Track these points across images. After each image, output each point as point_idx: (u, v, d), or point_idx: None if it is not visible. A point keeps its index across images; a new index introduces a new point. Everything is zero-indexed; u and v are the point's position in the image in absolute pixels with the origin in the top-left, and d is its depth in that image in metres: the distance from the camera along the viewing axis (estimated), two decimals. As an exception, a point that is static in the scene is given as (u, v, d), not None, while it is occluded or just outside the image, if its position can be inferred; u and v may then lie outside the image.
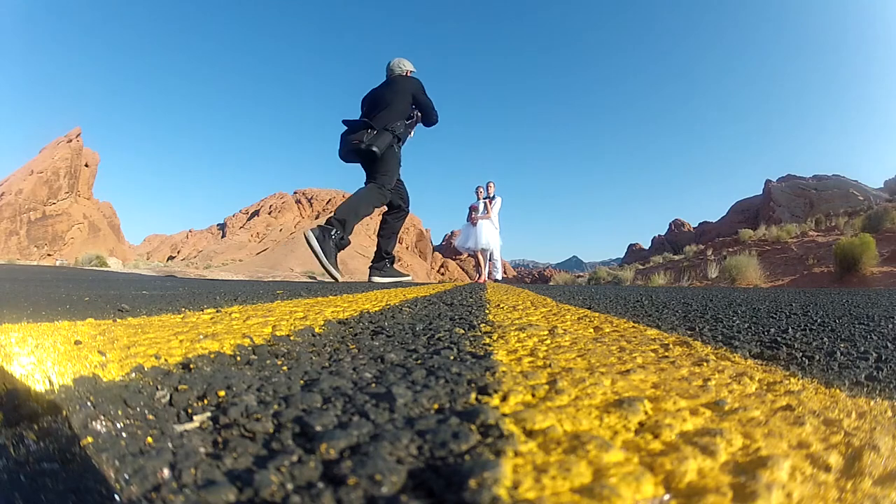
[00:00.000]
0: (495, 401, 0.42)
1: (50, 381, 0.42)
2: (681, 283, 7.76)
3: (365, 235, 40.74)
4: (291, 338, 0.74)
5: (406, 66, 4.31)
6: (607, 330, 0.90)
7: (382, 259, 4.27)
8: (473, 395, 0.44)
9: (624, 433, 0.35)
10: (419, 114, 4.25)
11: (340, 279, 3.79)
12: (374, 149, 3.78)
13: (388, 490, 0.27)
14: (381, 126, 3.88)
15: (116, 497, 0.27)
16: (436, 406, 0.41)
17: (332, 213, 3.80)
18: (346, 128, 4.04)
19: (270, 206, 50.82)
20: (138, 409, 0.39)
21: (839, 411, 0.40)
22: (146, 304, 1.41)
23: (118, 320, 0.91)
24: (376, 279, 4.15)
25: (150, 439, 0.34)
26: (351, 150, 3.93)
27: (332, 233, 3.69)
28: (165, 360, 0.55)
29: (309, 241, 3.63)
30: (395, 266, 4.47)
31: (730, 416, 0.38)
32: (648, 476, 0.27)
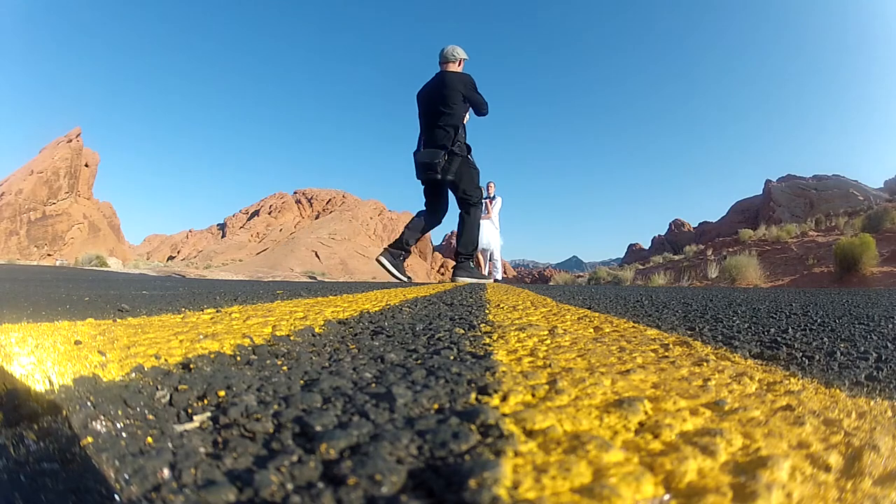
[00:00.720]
0: (495, 401, 0.42)
1: (50, 381, 0.42)
2: (681, 283, 7.75)
3: (364, 235, 40.73)
4: (291, 338, 0.74)
5: (459, 54, 4.46)
6: (607, 330, 0.90)
7: (462, 260, 4.72)
8: (473, 395, 0.44)
9: (624, 433, 0.35)
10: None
11: (491, 281, 5.02)
12: (450, 177, 4.36)
13: (388, 490, 0.27)
14: (446, 142, 4.31)
15: (116, 497, 0.27)
16: (436, 406, 0.41)
17: (461, 251, 4.63)
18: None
19: (270, 206, 50.81)
20: (138, 409, 0.39)
21: (839, 411, 0.40)
22: (146, 304, 1.41)
23: (118, 320, 0.91)
24: (461, 279, 4.61)
25: (150, 439, 0.34)
26: (430, 179, 4.47)
27: (470, 262, 4.71)
28: (165, 360, 0.55)
29: (464, 278, 4.55)
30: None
31: (730, 416, 0.38)
32: (648, 476, 0.27)
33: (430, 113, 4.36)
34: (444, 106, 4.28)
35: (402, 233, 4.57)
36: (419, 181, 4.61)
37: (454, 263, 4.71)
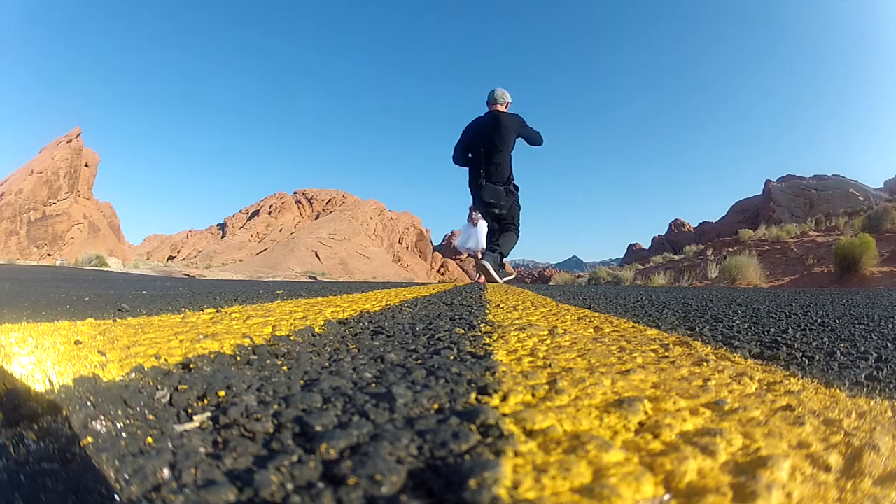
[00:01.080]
0: (495, 401, 0.42)
1: (50, 381, 0.42)
2: (681, 283, 7.75)
3: (364, 235, 40.72)
4: (291, 338, 0.74)
5: (507, 97, 4.98)
6: (607, 330, 0.90)
7: (496, 252, 5.29)
8: (473, 395, 0.44)
9: (624, 433, 0.35)
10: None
11: (501, 281, 5.22)
12: (505, 212, 5.13)
13: (388, 490, 0.27)
14: (505, 179, 4.93)
15: (116, 497, 0.27)
16: (436, 406, 0.41)
17: (499, 245, 5.15)
18: (463, 165, 5.23)
19: (270, 206, 50.81)
20: (138, 409, 0.39)
21: (839, 411, 0.40)
22: (146, 304, 1.41)
23: (118, 320, 0.91)
24: (487, 263, 4.99)
25: (150, 439, 0.34)
26: (491, 212, 5.13)
27: (501, 255, 5.15)
28: (165, 360, 0.55)
29: (490, 264, 4.96)
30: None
31: (730, 416, 0.38)
32: (648, 476, 0.27)
33: (488, 150, 4.87)
34: (500, 144, 4.80)
35: (501, 249, 5.19)
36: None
37: (485, 255, 5.17)
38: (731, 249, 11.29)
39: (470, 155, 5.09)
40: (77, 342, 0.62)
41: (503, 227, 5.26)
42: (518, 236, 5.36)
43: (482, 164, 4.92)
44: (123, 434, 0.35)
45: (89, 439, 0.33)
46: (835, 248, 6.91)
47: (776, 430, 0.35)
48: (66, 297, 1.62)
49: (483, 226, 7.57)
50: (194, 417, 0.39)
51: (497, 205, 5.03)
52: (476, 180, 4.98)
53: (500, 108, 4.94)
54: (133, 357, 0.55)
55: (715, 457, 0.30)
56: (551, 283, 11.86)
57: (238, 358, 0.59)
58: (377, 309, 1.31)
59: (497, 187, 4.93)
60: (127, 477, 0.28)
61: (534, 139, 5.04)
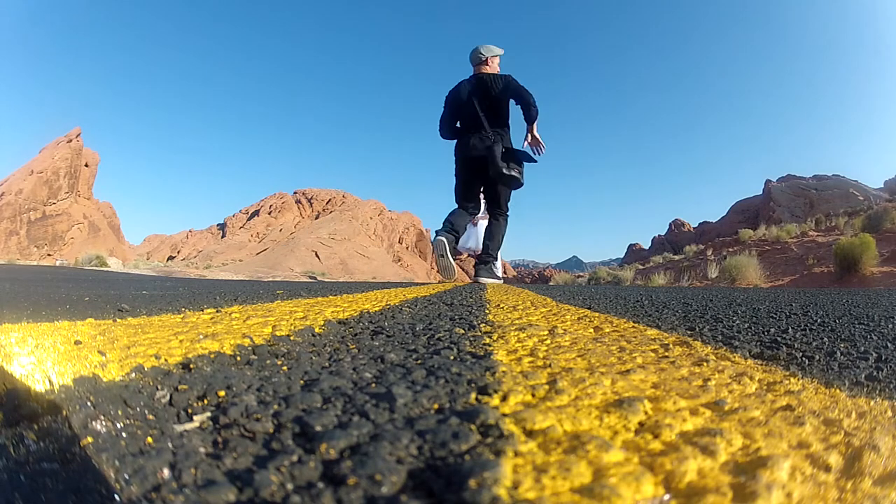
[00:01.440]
0: (495, 401, 0.42)
1: (50, 381, 0.42)
2: (681, 283, 7.75)
3: (364, 235, 40.72)
4: (291, 338, 0.74)
5: (486, 53, 4.17)
6: (607, 330, 0.90)
7: (489, 260, 4.61)
8: (473, 395, 0.44)
9: (624, 433, 0.35)
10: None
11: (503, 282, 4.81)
12: (523, 181, 4.19)
13: (388, 490, 0.27)
14: (513, 154, 4.11)
15: (116, 497, 0.27)
16: (436, 406, 0.41)
17: (488, 251, 4.51)
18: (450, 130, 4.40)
19: (270, 206, 50.86)
20: (138, 409, 0.39)
21: (839, 411, 0.40)
22: (146, 304, 1.41)
23: (118, 320, 0.91)
24: (483, 279, 4.39)
25: (150, 439, 0.34)
26: (500, 174, 4.08)
27: (494, 264, 4.53)
28: (165, 360, 0.55)
29: (488, 278, 4.40)
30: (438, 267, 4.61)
31: (730, 416, 0.38)
32: (648, 476, 0.27)
33: (488, 117, 4.08)
34: (499, 110, 4.08)
35: (487, 246, 4.53)
36: (471, 169, 4.27)
37: (477, 261, 4.60)
38: (731, 249, 11.29)
39: (459, 125, 4.26)
40: (77, 342, 0.62)
41: (493, 212, 4.49)
42: (507, 222, 4.56)
43: (482, 132, 4.07)
44: (123, 434, 0.35)
45: (89, 439, 0.33)
46: (835, 248, 6.91)
47: (776, 430, 0.35)
48: (66, 297, 1.62)
49: (483, 225, 7.53)
50: (194, 417, 0.39)
51: (509, 169, 4.01)
52: (479, 145, 4.03)
53: (487, 68, 4.12)
54: (133, 357, 0.55)
55: (715, 457, 0.30)
56: (551, 283, 11.87)
57: (238, 358, 0.59)
58: (377, 309, 1.31)
59: (514, 154, 4.05)
60: (127, 477, 0.28)
61: (527, 100, 4.00)
